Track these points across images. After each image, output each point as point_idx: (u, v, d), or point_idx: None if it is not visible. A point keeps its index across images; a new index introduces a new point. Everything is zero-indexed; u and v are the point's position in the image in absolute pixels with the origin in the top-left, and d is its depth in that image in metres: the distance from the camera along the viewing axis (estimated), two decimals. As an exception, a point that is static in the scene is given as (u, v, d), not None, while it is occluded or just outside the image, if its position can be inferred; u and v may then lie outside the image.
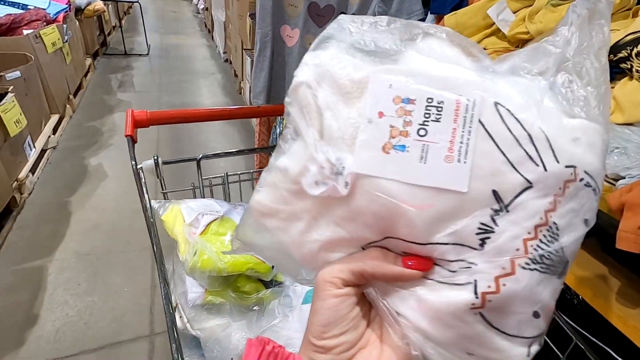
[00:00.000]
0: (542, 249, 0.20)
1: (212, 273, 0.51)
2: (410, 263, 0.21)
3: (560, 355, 0.50)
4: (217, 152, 0.74)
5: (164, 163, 0.67)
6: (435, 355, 0.22)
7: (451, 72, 0.21)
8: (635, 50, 0.55)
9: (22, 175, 1.69)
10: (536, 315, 0.21)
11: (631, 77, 0.57)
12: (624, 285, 0.52)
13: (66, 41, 2.47)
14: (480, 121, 0.20)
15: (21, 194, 1.68)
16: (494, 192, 0.20)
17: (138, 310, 1.28)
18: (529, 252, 0.20)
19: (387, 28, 0.23)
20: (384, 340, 0.23)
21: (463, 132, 0.20)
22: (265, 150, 1.16)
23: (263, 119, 1.40)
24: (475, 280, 0.20)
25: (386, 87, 0.21)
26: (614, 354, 0.52)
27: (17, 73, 1.75)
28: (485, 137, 0.20)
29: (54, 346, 1.15)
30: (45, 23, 2.27)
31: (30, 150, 1.83)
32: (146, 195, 0.60)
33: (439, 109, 0.20)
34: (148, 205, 0.59)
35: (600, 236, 0.57)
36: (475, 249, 0.20)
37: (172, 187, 0.75)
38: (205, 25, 5.38)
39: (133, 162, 0.60)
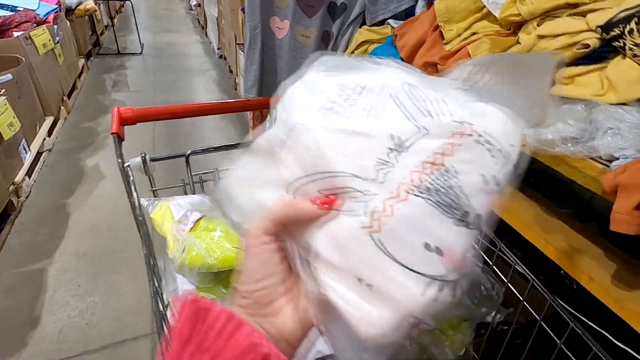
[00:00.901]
0: (431, 183, 0.24)
1: (201, 269, 0.50)
2: (317, 201, 0.25)
3: (557, 340, 0.49)
4: (206, 147, 0.73)
5: (152, 160, 0.66)
6: (332, 288, 0.24)
7: (384, 72, 0.29)
8: (627, 28, 0.53)
9: (18, 178, 1.68)
10: (428, 248, 0.23)
11: (624, 56, 0.56)
12: (619, 268, 0.51)
13: (58, 42, 2.45)
14: (390, 94, 0.27)
15: (18, 198, 1.68)
16: (392, 136, 0.25)
17: (139, 309, 1.29)
18: (415, 182, 0.24)
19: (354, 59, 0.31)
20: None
21: (378, 101, 0.27)
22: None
23: (257, 113, 1.39)
24: (367, 204, 0.24)
25: (336, 82, 0.29)
26: (611, 338, 0.51)
27: (9, 76, 1.74)
28: (392, 102, 0.27)
29: (57, 347, 1.16)
30: (35, 24, 2.24)
31: (26, 153, 1.83)
32: (134, 193, 0.59)
33: (365, 89, 0.28)
34: (137, 203, 0.59)
35: (596, 219, 0.57)
36: (374, 180, 0.24)
37: (169, 184, 0.74)
38: (199, 22, 5.34)
39: (120, 160, 0.59)
